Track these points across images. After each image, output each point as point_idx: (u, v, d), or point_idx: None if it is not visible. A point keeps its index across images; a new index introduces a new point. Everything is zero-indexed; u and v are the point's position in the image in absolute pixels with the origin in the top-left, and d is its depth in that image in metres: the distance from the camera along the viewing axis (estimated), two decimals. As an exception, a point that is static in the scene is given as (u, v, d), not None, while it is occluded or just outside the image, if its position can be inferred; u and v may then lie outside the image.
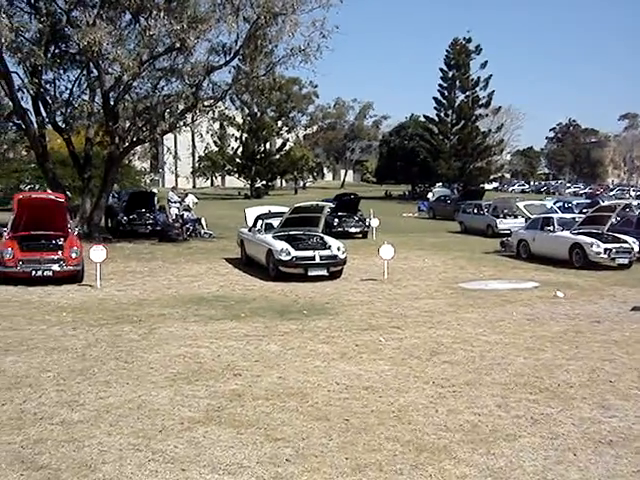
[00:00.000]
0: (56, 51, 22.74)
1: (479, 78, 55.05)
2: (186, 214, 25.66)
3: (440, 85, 55.91)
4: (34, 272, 14.02)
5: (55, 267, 14.13)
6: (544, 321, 11.11)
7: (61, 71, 23.49)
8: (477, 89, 55.30)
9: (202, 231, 25.13)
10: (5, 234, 15.04)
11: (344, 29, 58.70)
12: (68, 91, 24.11)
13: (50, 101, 23.76)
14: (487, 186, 57.60)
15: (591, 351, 9.09)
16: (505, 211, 28.74)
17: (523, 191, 77.71)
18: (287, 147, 64.12)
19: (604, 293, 13.99)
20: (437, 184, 56.18)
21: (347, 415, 6.58)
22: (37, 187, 32.21)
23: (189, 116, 23.37)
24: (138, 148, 27.82)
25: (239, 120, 57.54)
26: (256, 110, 59.12)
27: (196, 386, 7.45)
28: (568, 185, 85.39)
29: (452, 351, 9.06)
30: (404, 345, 9.39)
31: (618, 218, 20.26)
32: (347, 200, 28.18)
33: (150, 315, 11.38)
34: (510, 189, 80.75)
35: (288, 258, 15.02)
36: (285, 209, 17.30)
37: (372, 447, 5.82)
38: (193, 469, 5.38)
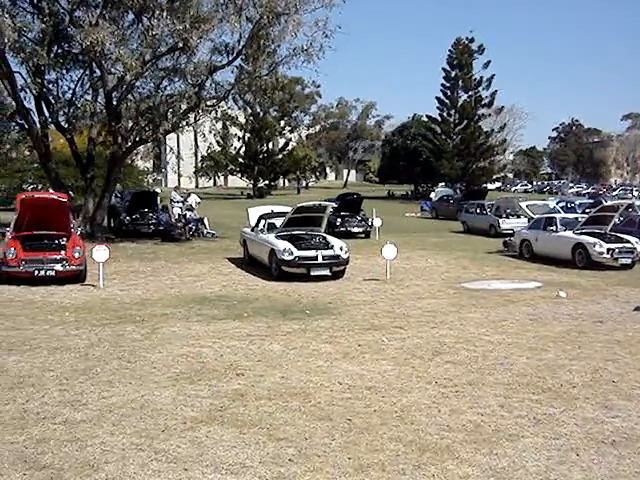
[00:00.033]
0: (59, 51, 22.75)
1: (482, 78, 55.01)
2: (189, 214, 25.72)
3: (443, 85, 55.87)
4: (37, 272, 14.03)
5: (58, 267, 14.15)
6: (547, 321, 11.10)
7: (64, 71, 23.47)
8: (480, 89, 55.22)
9: (205, 231, 25.14)
10: (8, 234, 15.07)
11: (347, 29, 59.06)
12: (71, 91, 24.14)
13: (53, 101, 23.77)
14: (490, 186, 57.67)
15: (594, 351, 9.08)
16: (508, 211, 28.71)
17: (526, 191, 77.63)
18: (290, 147, 64.07)
19: (607, 293, 13.97)
20: (440, 184, 56.14)
21: (350, 415, 6.58)
22: (40, 187, 32.18)
23: (192, 116, 23.40)
24: (141, 148, 27.84)
25: (242, 120, 57.47)
26: (259, 110, 59.13)
27: (199, 386, 7.46)
28: (571, 185, 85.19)
29: (455, 351, 9.05)
30: (407, 345, 9.39)
31: (621, 218, 20.27)
32: (350, 200, 28.16)
33: (153, 315, 11.39)
34: (513, 189, 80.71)
35: (291, 258, 15.02)
36: (288, 209, 17.31)
37: (375, 447, 5.81)
38: (196, 469, 5.38)
